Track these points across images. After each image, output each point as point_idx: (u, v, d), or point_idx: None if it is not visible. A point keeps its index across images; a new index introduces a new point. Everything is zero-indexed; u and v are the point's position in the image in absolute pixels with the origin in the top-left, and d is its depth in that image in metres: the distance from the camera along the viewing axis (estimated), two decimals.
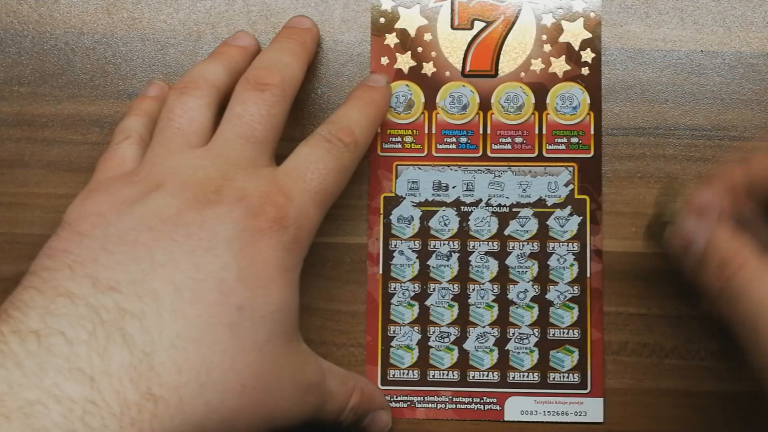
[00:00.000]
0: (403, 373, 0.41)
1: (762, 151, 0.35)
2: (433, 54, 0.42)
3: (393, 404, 0.41)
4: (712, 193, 0.35)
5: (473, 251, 0.41)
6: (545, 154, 0.41)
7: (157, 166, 0.34)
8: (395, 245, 0.41)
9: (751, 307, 0.31)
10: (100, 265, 0.31)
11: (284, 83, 0.36)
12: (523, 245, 0.41)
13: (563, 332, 0.41)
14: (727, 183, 0.35)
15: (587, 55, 0.42)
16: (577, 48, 0.42)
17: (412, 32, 0.42)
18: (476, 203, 0.41)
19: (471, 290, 0.41)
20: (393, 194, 0.42)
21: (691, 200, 0.35)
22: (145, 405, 0.28)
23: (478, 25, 0.42)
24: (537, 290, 0.41)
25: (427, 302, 0.41)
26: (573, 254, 0.41)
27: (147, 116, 0.39)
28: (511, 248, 0.41)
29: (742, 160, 0.35)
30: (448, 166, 0.42)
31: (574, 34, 0.42)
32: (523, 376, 0.41)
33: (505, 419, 0.41)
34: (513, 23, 0.42)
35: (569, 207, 0.41)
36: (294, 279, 0.34)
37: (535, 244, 0.41)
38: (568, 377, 0.41)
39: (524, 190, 0.41)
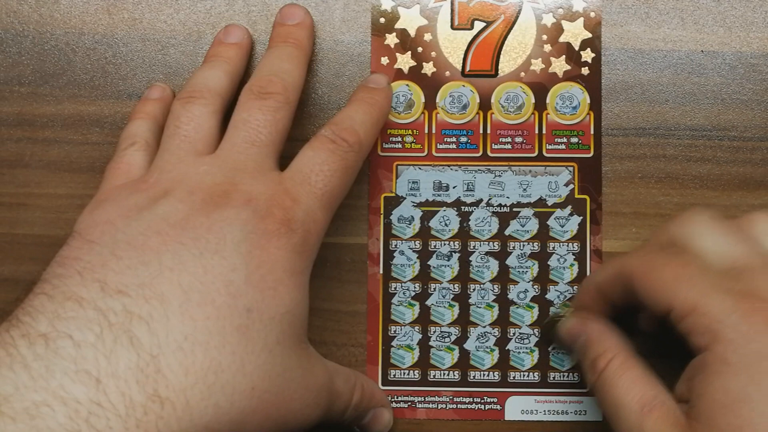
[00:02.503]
0: (404, 373, 0.41)
1: (607, 263, 0.38)
2: (433, 54, 0.42)
3: (394, 404, 0.41)
4: (587, 296, 0.38)
5: (474, 251, 0.41)
6: (545, 154, 0.41)
7: (165, 174, 0.35)
8: (396, 245, 0.41)
9: (610, 406, 0.34)
10: (109, 269, 0.31)
11: (287, 91, 0.37)
12: (523, 245, 0.41)
13: None
14: (594, 287, 0.38)
15: (587, 55, 0.42)
16: (577, 48, 0.42)
17: (412, 32, 0.42)
18: (477, 203, 0.41)
19: (471, 290, 0.41)
20: (393, 194, 0.42)
21: (574, 301, 0.40)
22: (151, 407, 0.28)
23: (478, 25, 0.42)
24: (537, 290, 0.41)
25: (428, 302, 0.41)
26: (573, 254, 0.41)
27: (151, 120, 0.39)
28: (511, 248, 0.41)
29: (599, 268, 0.39)
30: (449, 166, 0.42)
31: (575, 34, 0.42)
32: (524, 375, 0.41)
33: (506, 419, 0.41)
34: (513, 23, 0.42)
35: (569, 207, 0.41)
36: (303, 282, 0.34)
37: (535, 244, 0.41)
38: (567, 376, 0.41)
39: (524, 189, 0.41)
